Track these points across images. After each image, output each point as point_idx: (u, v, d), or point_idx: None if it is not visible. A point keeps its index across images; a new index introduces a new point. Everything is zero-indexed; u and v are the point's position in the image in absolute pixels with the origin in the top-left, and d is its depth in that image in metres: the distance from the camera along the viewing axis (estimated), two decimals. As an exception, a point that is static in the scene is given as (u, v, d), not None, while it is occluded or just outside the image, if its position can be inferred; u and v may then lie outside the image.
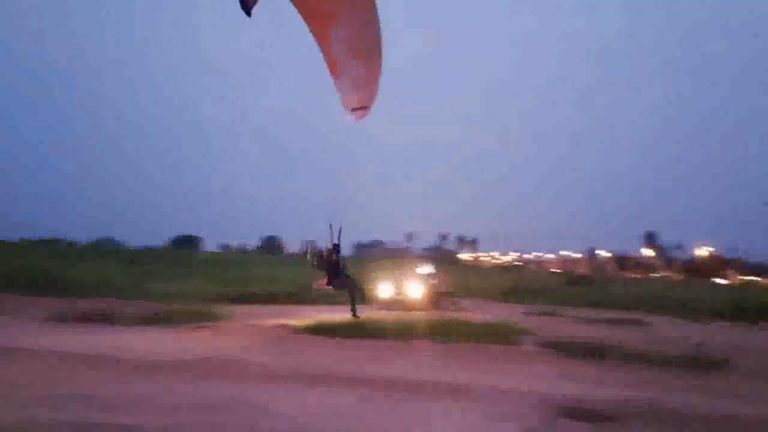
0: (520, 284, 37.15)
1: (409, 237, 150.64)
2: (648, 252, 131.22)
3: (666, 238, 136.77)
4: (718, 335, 17.26)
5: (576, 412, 7.44)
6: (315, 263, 16.74)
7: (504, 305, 25.61)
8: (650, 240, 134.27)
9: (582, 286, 41.58)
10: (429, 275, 23.43)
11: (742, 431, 7.08)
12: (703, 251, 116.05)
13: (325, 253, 16.66)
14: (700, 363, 11.76)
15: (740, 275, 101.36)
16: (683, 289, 46.02)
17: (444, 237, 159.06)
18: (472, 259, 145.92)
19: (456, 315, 18.68)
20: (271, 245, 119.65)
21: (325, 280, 16.48)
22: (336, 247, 16.58)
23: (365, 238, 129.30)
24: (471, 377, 9.65)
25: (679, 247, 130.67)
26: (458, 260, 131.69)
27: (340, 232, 15.81)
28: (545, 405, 7.81)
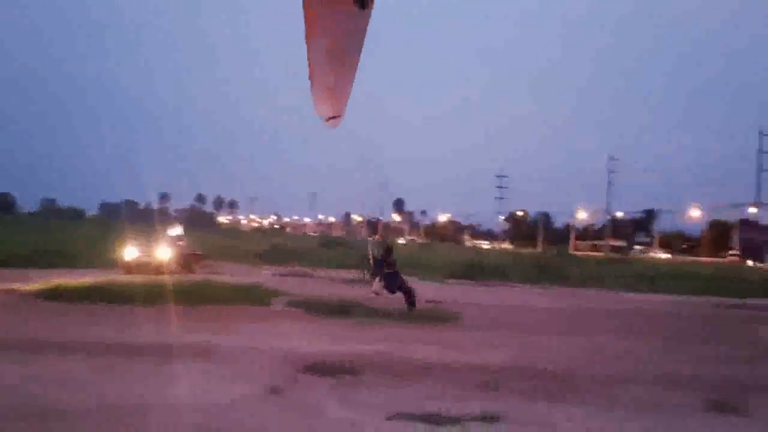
0: (277, 247, 37.48)
1: (164, 198, 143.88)
2: (397, 217, 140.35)
3: (413, 204, 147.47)
4: (453, 293, 19.01)
5: (319, 367, 7.67)
6: (370, 267, 14.32)
7: (260, 267, 25.64)
8: (399, 206, 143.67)
9: (336, 247, 43.15)
10: (177, 237, 22.52)
11: (459, 375, 7.83)
12: (443, 217, 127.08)
13: (379, 252, 14.10)
14: (436, 318, 12.85)
15: (473, 239, 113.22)
16: (426, 251, 49.98)
17: (201, 198, 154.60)
18: (230, 221, 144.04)
19: (208, 277, 18.26)
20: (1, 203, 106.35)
21: (382, 283, 13.83)
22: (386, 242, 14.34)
23: (114, 198, 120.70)
24: (218, 339, 9.48)
25: (423, 213, 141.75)
26: (217, 222, 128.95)
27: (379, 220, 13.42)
28: (290, 362, 7.94)
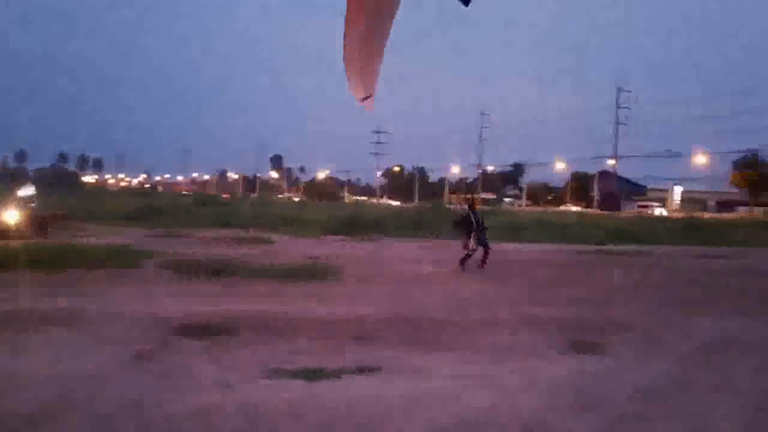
0: (148, 207, 35.85)
1: (20, 156, 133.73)
2: (275, 174, 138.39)
3: (291, 161, 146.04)
4: (332, 248, 19.05)
5: (191, 329, 7.43)
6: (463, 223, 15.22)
7: (130, 229, 24.42)
8: (277, 163, 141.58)
9: (211, 206, 41.92)
10: (28, 198, 20.83)
11: (337, 328, 7.87)
12: (322, 174, 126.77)
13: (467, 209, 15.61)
14: (314, 273, 12.80)
15: (353, 195, 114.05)
16: (305, 208, 49.71)
17: (64, 157, 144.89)
18: (96, 181, 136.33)
19: (71, 240, 17.18)
20: None
21: (471, 241, 14.80)
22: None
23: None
24: (81, 304, 8.92)
25: (302, 169, 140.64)
26: (81, 182, 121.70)
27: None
28: (160, 326, 7.64)
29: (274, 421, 4.88)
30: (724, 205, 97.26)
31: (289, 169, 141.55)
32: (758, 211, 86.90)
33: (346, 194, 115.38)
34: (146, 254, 14.61)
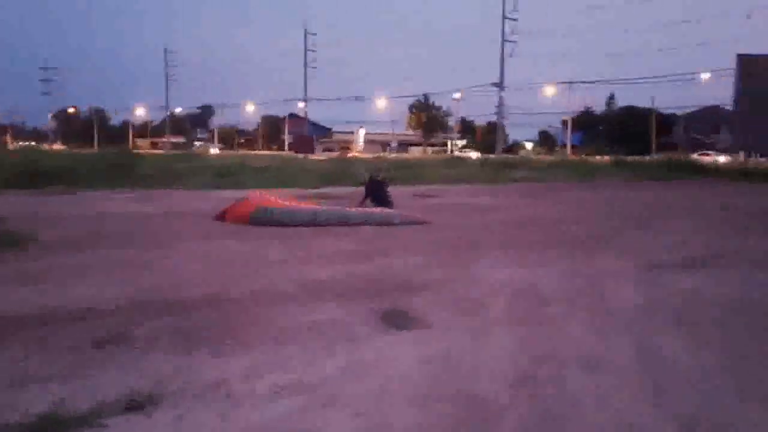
0: None
1: None
2: None
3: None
4: (16, 207, 15.02)
5: None
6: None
7: None
8: None
9: None
10: None
11: (60, 326, 5.44)
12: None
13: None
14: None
15: (19, 140, 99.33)
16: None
17: None
18: None
19: None
20: None
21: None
22: None
23: None
24: None
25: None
26: None
27: None
28: None
29: None
30: (402, 146, 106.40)
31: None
32: (430, 151, 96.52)
33: (9, 139, 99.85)
34: None
